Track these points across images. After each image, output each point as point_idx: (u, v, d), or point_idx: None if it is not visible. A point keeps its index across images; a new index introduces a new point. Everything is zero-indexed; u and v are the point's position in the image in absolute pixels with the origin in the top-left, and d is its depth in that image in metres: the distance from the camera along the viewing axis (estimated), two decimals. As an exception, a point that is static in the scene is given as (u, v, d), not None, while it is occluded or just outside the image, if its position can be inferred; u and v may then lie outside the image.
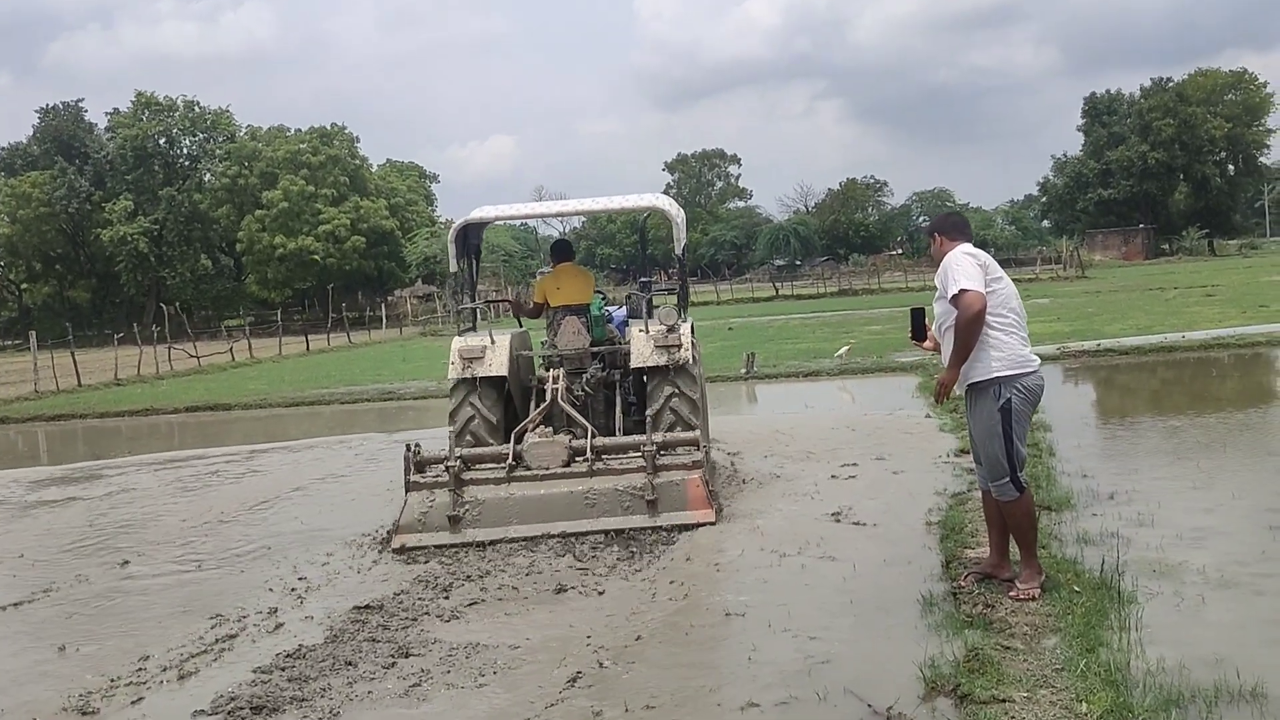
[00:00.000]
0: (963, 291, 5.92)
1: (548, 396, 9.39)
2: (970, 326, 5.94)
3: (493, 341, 9.56)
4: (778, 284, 68.73)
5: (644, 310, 10.25)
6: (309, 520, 10.02)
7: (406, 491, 8.76)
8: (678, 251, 10.63)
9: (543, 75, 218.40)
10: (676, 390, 9.35)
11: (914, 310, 6.71)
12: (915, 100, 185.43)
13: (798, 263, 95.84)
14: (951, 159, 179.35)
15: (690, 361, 9.43)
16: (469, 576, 7.56)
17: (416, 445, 9.08)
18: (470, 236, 10.53)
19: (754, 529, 8.28)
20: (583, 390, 9.74)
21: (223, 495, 11.62)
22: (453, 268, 10.26)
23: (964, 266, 6.00)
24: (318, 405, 21.14)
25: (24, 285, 78.08)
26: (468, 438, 9.35)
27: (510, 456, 8.78)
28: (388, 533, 8.80)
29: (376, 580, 7.74)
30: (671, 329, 9.40)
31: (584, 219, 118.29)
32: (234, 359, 36.85)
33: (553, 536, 8.34)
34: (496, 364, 9.47)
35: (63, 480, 13.60)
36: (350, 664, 5.94)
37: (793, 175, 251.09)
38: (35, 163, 73.21)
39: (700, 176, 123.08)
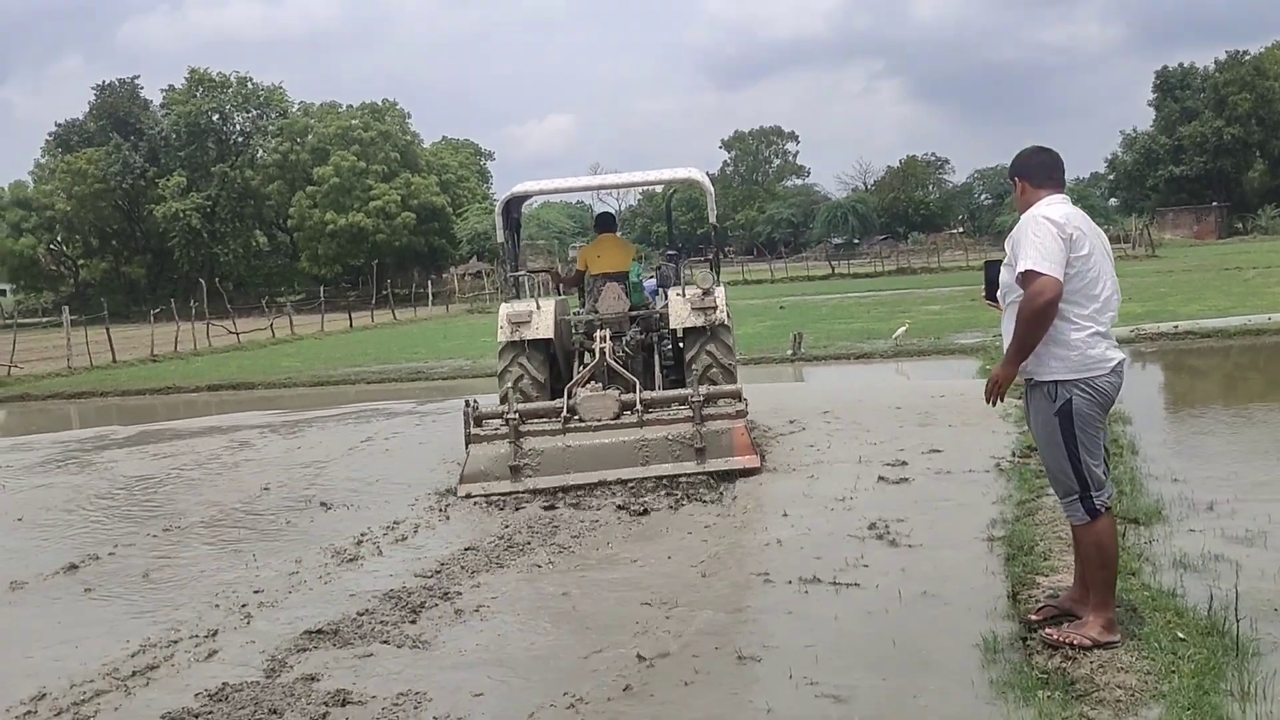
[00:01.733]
0: (1031, 274, 4.61)
1: (595, 355, 9.99)
2: (1035, 319, 4.64)
3: (539, 307, 10.29)
4: (834, 262, 67.01)
5: (673, 278, 11.19)
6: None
7: (468, 444, 9.37)
8: (711, 220, 11.53)
9: (600, 53, 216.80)
10: (713, 349, 10.16)
11: (988, 264, 5.32)
12: (977, 78, 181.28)
13: (855, 241, 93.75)
14: (1015, 136, 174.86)
15: (725, 322, 10.20)
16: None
17: (475, 401, 9.79)
18: (512, 210, 11.33)
19: (776, 543, 7.06)
20: (624, 351, 10.36)
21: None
22: (500, 239, 11.20)
23: (1043, 237, 4.61)
24: (343, 385, 20.18)
25: (81, 261, 78.41)
26: (517, 395, 10.01)
27: (565, 410, 9.37)
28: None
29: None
30: (707, 293, 10.15)
31: (639, 197, 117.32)
32: (274, 336, 36.12)
33: (609, 483, 8.92)
34: (543, 327, 10.18)
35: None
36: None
37: (851, 153, 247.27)
38: (91, 139, 73.23)
39: (757, 154, 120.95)
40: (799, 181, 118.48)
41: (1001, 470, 8.51)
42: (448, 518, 8.60)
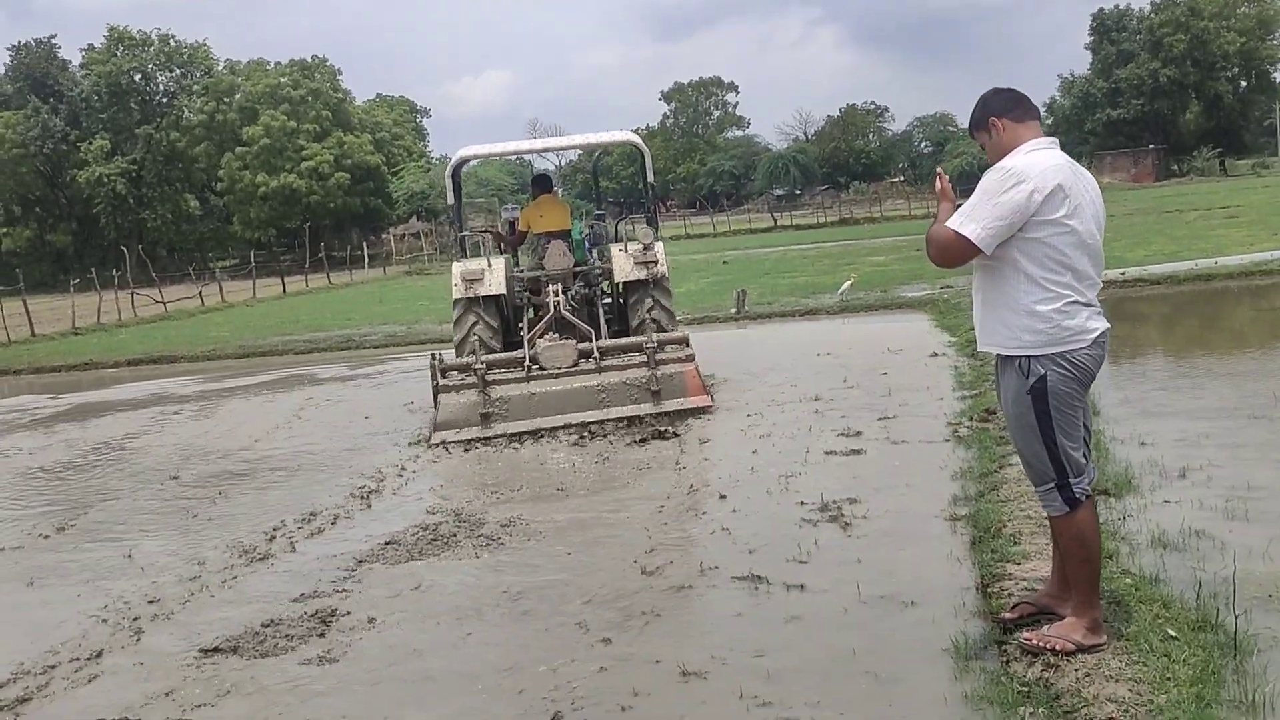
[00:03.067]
0: (955, 234, 4.11)
1: (549, 309, 10.67)
2: (933, 252, 4.29)
3: (489, 265, 10.87)
4: (776, 214, 66.52)
5: (605, 236, 12.15)
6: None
7: (436, 395, 10.06)
8: (649, 179, 11.86)
9: (538, 7, 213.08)
10: (655, 300, 11.02)
11: None
12: (914, 23, 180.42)
13: (797, 192, 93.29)
14: (953, 83, 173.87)
15: (665, 275, 11.06)
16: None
17: (439, 355, 10.45)
18: (459, 174, 11.91)
19: (722, 531, 6.47)
20: (569, 305, 10.96)
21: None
22: (450, 200, 11.75)
23: (992, 194, 4.06)
24: (270, 355, 19.33)
25: (3, 230, 75.84)
26: (471, 347, 10.65)
27: (526, 360, 10.00)
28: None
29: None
30: (647, 248, 10.93)
31: (580, 153, 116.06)
32: (203, 304, 34.95)
33: (573, 426, 9.61)
34: (495, 284, 10.80)
35: None
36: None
37: (791, 103, 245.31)
38: (8, 103, 70.29)
39: (697, 106, 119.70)
40: (740, 133, 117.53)
41: (960, 438, 7.98)
42: (369, 505, 7.97)
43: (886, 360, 11.93)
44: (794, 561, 5.75)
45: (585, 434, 9.51)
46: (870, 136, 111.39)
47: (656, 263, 10.93)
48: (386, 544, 6.83)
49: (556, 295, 10.85)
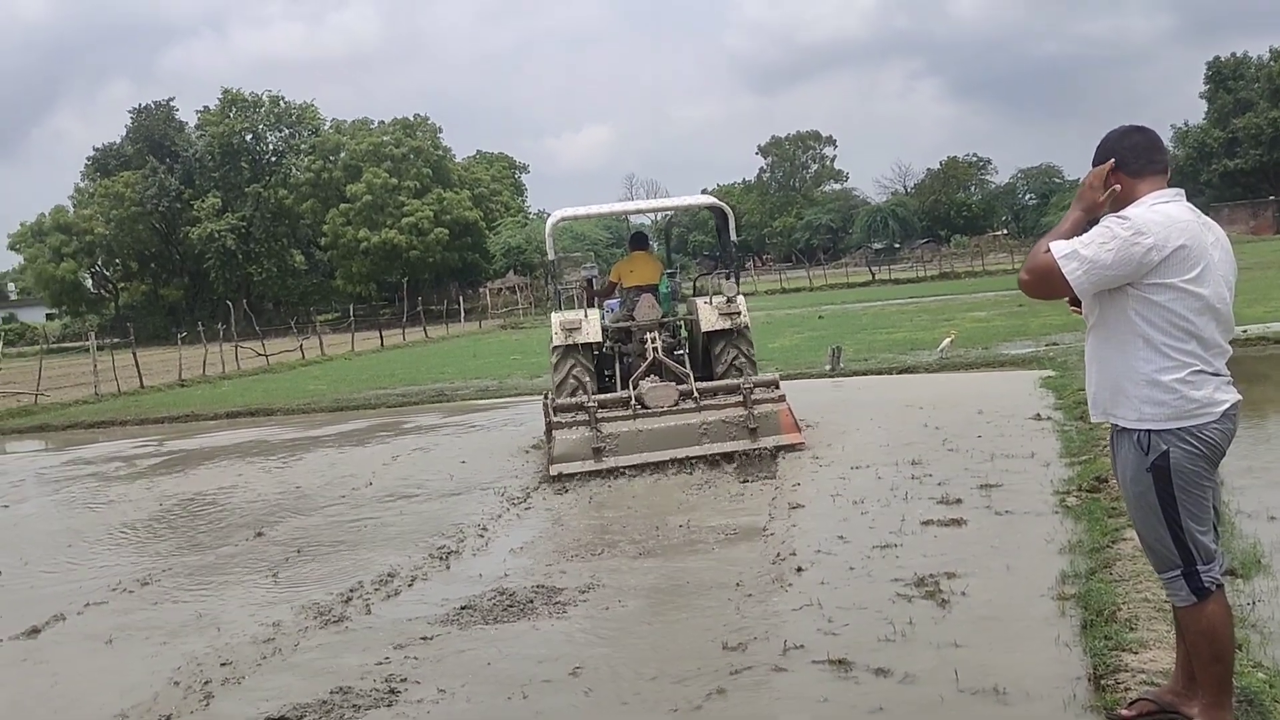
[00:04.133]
0: (1054, 264, 3.72)
1: (647, 355, 11.56)
2: (1025, 272, 3.88)
3: (586, 315, 11.72)
4: (874, 268, 65.76)
5: (680, 291, 13.37)
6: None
7: (550, 431, 10.73)
8: (732, 237, 12.57)
9: (637, 63, 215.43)
10: (739, 349, 11.83)
11: None
12: (1019, 74, 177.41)
13: (896, 246, 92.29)
14: (1059, 134, 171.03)
15: (747, 325, 11.91)
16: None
17: (550, 395, 11.39)
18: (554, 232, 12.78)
19: (809, 607, 6.08)
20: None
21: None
22: (550, 256, 12.82)
23: (1114, 244, 3.65)
24: (363, 409, 19.39)
25: (121, 285, 78.58)
26: (569, 389, 11.44)
27: (632, 399, 10.79)
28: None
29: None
30: (730, 300, 11.80)
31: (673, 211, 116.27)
32: (304, 357, 35.52)
33: (678, 460, 10.46)
34: (593, 332, 11.67)
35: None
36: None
37: (891, 156, 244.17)
38: (128, 163, 73.30)
39: (794, 159, 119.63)
40: (837, 186, 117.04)
41: (1068, 509, 7.50)
42: (447, 566, 7.78)
43: (988, 422, 11.43)
44: (885, 642, 5.36)
45: (685, 487, 9.72)
46: (972, 189, 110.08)
47: (739, 314, 11.80)
48: (462, 609, 6.62)
49: (654, 342, 11.66)
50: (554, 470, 10.41)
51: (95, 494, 12.52)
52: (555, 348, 11.72)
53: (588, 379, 11.62)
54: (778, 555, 7.17)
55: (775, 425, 10.77)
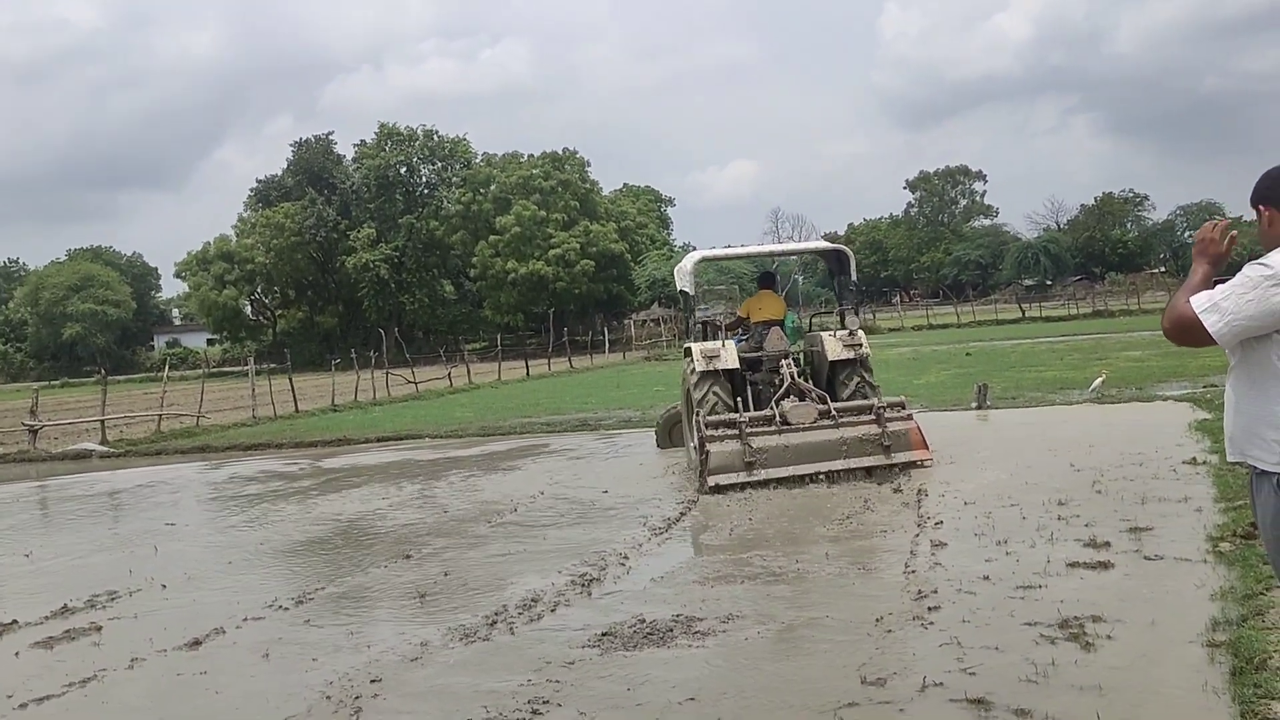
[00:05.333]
0: (1195, 318, 3.69)
1: (785, 379, 12.49)
2: (1168, 325, 3.84)
3: (724, 345, 12.82)
4: (1024, 305, 64.30)
5: (806, 326, 14.80)
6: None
7: (704, 445, 11.66)
8: (853, 277, 13.92)
9: (785, 99, 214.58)
10: (862, 376, 12.82)
11: None
12: (1179, 111, 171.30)
13: (1048, 282, 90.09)
14: (1221, 170, 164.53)
15: (868, 355, 12.95)
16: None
17: (700, 412, 12.16)
18: (697, 270, 13.94)
19: (950, 644, 6.04)
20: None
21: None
22: (691, 291, 13.72)
23: (1238, 286, 3.63)
24: (510, 435, 19.83)
25: (279, 312, 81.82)
26: (710, 410, 12.25)
27: (777, 417, 11.85)
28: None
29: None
30: (852, 333, 12.98)
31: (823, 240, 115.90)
32: (451, 385, 36.44)
33: (821, 473, 11.48)
34: (731, 360, 12.72)
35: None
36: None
37: (1043, 191, 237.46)
38: (288, 194, 76.48)
39: (943, 195, 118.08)
40: (987, 221, 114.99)
41: (1221, 555, 7.29)
42: (589, 593, 7.94)
43: (1140, 464, 11.13)
44: (1026, 683, 5.32)
45: (826, 521, 9.78)
46: (1128, 225, 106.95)
47: (861, 345, 12.87)
48: (603, 635, 6.75)
49: (789, 368, 12.61)
50: (711, 481, 11.34)
51: (253, 514, 13.10)
52: (698, 372, 12.62)
53: (725, 401, 12.49)
54: (919, 592, 7.13)
55: (906, 442, 11.86)
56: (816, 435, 11.77)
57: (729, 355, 12.70)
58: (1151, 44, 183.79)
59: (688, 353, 13.34)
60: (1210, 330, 3.66)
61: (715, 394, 12.53)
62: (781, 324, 13.62)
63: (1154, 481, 10.17)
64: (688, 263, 13.82)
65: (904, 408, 12.25)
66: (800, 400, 12.22)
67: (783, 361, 12.77)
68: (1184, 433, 13.02)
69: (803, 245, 16.00)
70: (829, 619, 6.81)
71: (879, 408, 11.97)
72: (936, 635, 6.22)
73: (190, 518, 13.42)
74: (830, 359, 12.85)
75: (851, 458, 11.64)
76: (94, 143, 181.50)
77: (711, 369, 12.60)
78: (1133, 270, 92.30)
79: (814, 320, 15.04)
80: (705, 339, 13.63)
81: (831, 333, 13.23)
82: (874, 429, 11.80)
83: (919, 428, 12.11)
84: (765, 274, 15.23)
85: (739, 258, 18.32)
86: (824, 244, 14.99)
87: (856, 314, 13.86)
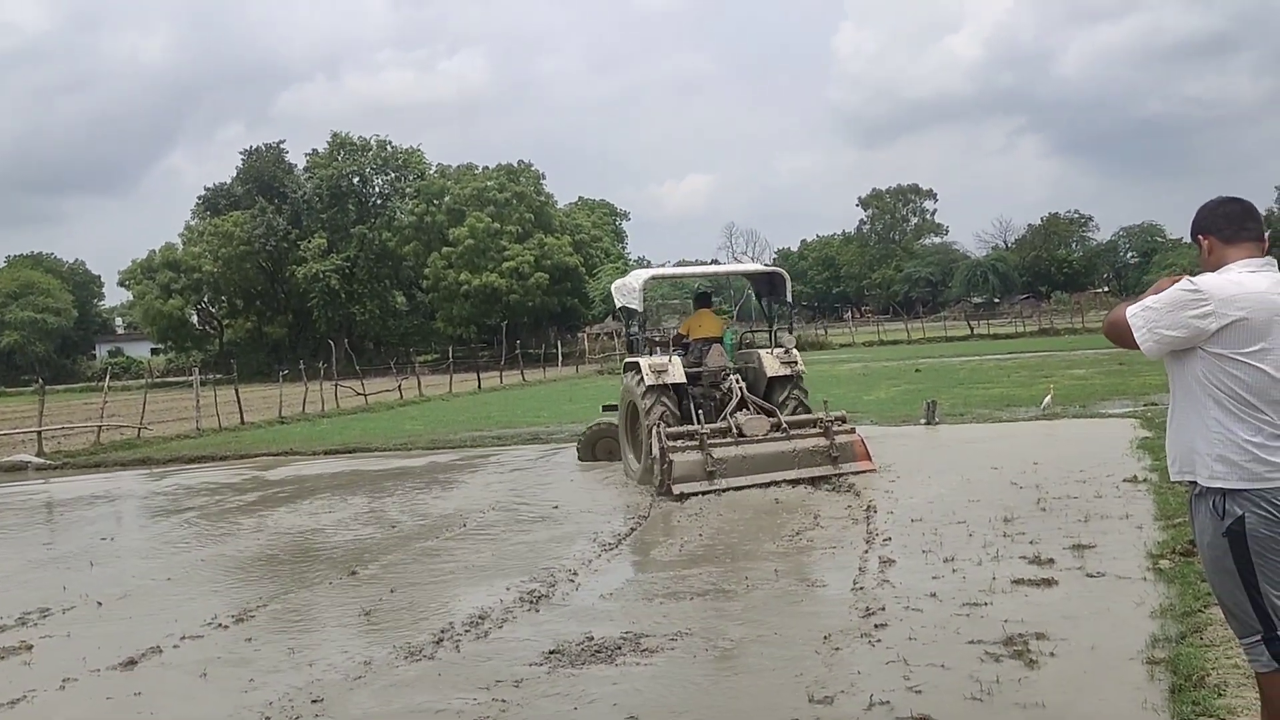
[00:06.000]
0: (1127, 322, 3.83)
1: (735, 393, 13.17)
2: (1107, 324, 4.03)
3: (670, 360, 13.37)
4: (973, 322, 65.00)
5: (737, 343, 15.16)
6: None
7: (665, 455, 12.10)
8: (788, 299, 14.82)
9: (741, 113, 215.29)
10: (798, 390, 13.65)
11: None
12: (1123, 133, 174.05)
13: (996, 300, 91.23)
14: (1163, 193, 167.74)
15: (803, 373, 13.81)
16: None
17: (661, 424, 12.56)
18: (646, 289, 14.33)
19: (897, 663, 6.05)
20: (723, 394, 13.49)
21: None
22: (639, 308, 14.13)
23: (1180, 311, 3.71)
24: (459, 449, 19.71)
25: (226, 321, 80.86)
26: (660, 425, 12.63)
27: (733, 429, 12.58)
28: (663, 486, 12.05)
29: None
30: (787, 351, 13.87)
31: (774, 257, 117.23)
32: (402, 397, 36.19)
33: (776, 482, 12.05)
34: (677, 374, 13.27)
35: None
36: None
37: (992, 211, 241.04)
38: (238, 203, 75.57)
39: (895, 212, 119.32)
40: (937, 240, 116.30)
41: (1161, 572, 7.38)
42: (537, 609, 7.89)
43: (1082, 482, 11.26)
44: (971, 700, 5.35)
45: (775, 538, 9.81)
46: (1073, 245, 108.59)
47: (796, 363, 13.69)
48: (550, 653, 6.70)
49: (739, 383, 13.28)
50: (676, 489, 11.87)
51: (195, 528, 12.89)
52: (647, 386, 13.06)
53: (672, 414, 12.99)
54: (867, 609, 7.15)
55: (851, 454, 12.73)
56: (770, 447, 12.47)
57: (676, 370, 13.22)
58: (1097, 67, 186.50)
59: (629, 368, 14.04)
60: (1135, 336, 3.76)
61: (663, 406, 12.97)
62: (721, 341, 14.41)
63: (1096, 500, 10.28)
64: (635, 280, 14.32)
65: (845, 421, 13.11)
66: (752, 414, 12.87)
67: (731, 376, 13.43)
68: (1126, 450, 13.20)
69: (742, 267, 17.30)
70: (777, 636, 6.81)
71: (826, 421, 12.78)
72: (884, 653, 6.23)
73: (129, 533, 13.19)
74: (769, 375, 13.57)
75: (802, 468, 12.37)
76: (38, 147, 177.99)
77: (660, 383, 13.06)
78: (1077, 289, 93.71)
79: (744, 338, 15.65)
80: (650, 354, 14.03)
81: (769, 350, 13.99)
82: (822, 441, 12.63)
83: (862, 440, 12.99)
84: (701, 294, 16.21)
85: (686, 277, 19.03)
86: (760, 266, 16.31)
87: (790, 332, 14.85)
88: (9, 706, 6.35)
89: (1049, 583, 7.45)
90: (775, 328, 15.10)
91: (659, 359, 13.46)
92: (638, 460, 13.54)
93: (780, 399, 13.42)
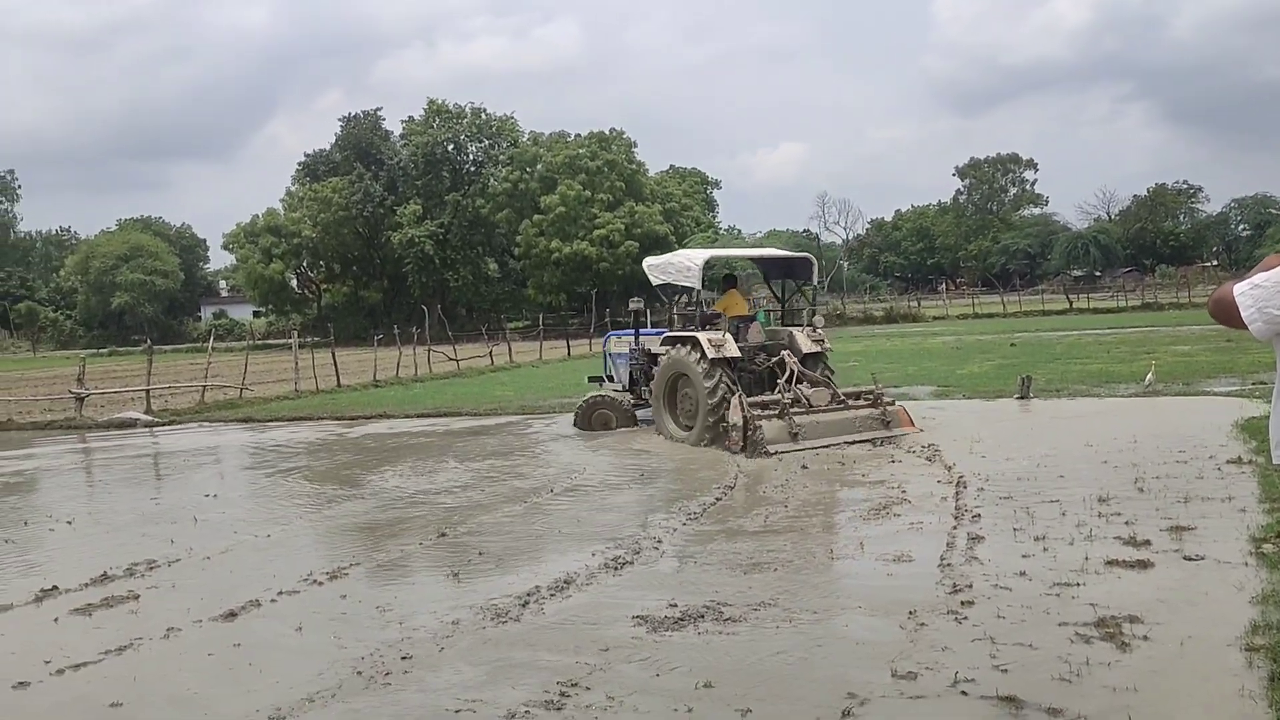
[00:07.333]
0: (1234, 301, 3.68)
1: (789, 369, 14.49)
2: (1211, 303, 3.80)
3: (724, 336, 14.43)
4: (1072, 296, 63.57)
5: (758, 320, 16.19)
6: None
7: (752, 422, 13.35)
8: (814, 284, 16.84)
9: (835, 82, 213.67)
10: (828, 366, 15.18)
11: None
12: (1237, 100, 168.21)
13: (1097, 274, 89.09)
14: (1278, 162, 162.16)
15: (829, 349, 15.31)
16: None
17: (741, 394, 13.74)
18: (705, 269, 15.57)
19: (984, 640, 5.98)
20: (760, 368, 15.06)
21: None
22: (697, 286, 15.36)
23: (1273, 279, 3.62)
24: (549, 415, 19.84)
25: (325, 286, 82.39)
26: (721, 393, 13.95)
27: (804, 399, 14.03)
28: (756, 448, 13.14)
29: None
30: (816, 329, 15.31)
31: (867, 227, 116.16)
32: (493, 363, 36.57)
33: (848, 442, 13.48)
34: (732, 349, 14.40)
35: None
36: None
37: (1094, 181, 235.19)
38: (336, 169, 76.79)
39: (993, 182, 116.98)
40: (1037, 211, 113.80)
41: (1264, 557, 7.17)
42: (620, 574, 7.95)
43: (1184, 462, 10.98)
44: (1059, 681, 5.26)
45: (864, 513, 9.74)
46: (1181, 217, 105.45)
47: (824, 341, 15.15)
48: (634, 618, 6.75)
49: (793, 360, 14.57)
50: (771, 449, 13.00)
51: (291, 487, 13.23)
52: (710, 359, 14.13)
53: (729, 387, 14.03)
54: (955, 586, 7.07)
55: (898, 420, 14.30)
56: (834, 414, 14.04)
57: (731, 346, 14.35)
58: (1210, 31, 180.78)
59: (673, 341, 15.08)
60: (1243, 315, 3.63)
61: (725, 377, 14.07)
62: (752, 320, 15.82)
63: (1197, 481, 10.02)
64: (692, 261, 15.25)
65: (885, 394, 14.84)
66: (811, 386, 14.34)
67: (784, 353, 14.77)
68: (1230, 431, 12.80)
69: (779, 251, 18.10)
70: (860, 609, 6.77)
71: (876, 392, 14.54)
72: (970, 630, 6.16)
73: (230, 489, 13.57)
74: (803, 351, 14.88)
75: (862, 432, 13.84)
76: (146, 115, 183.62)
77: (721, 356, 14.16)
78: (1184, 263, 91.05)
79: (769, 315, 16.87)
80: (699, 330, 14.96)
81: (800, 329, 15.34)
82: (874, 409, 14.24)
83: (904, 409, 14.64)
84: (729, 275, 16.87)
85: (742, 257, 20.03)
86: (794, 253, 17.64)
87: (815, 310, 16.36)
88: (117, 653, 6.60)
89: (1144, 565, 7.29)
90: (809, 308, 16.50)
91: (715, 335, 14.45)
92: (679, 427, 14.83)
93: (811, 372, 14.70)
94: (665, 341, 15.54)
